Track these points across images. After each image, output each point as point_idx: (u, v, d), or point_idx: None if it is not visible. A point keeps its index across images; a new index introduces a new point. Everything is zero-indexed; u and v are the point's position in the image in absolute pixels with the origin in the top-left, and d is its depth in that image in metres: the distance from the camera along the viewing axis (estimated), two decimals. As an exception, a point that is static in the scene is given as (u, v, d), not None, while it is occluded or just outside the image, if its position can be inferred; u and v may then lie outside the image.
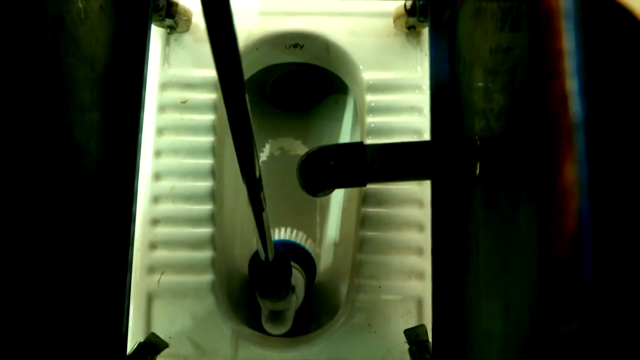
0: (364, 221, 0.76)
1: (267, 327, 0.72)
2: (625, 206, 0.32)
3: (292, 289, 0.70)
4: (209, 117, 0.79)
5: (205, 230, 0.75)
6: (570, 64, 0.32)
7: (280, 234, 0.90)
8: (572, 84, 0.32)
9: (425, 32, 0.80)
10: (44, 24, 0.46)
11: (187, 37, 0.82)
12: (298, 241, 0.90)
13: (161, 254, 0.74)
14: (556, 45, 0.33)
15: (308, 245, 0.90)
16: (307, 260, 0.87)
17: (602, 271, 0.30)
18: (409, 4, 0.75)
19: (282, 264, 0.58)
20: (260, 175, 0.41)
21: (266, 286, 0.60)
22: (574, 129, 0.31)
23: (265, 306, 0.70)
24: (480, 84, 0.53)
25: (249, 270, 0.58)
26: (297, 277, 0.78)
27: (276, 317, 0.72)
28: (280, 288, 0.61)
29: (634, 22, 0.36)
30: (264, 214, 0.45)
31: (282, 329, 0.72)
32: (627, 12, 0.36)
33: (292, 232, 0.90)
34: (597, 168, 0.31)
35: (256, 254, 0.56)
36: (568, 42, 0.33)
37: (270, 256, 0.55)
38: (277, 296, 0.63)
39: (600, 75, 0.33)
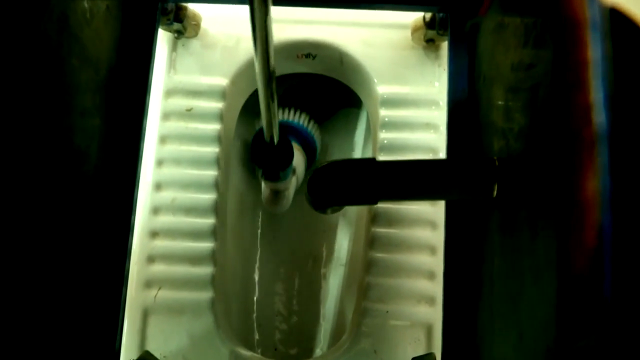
0: (373, 242, 0.75)
1: (268, 205, 0.78)
2: None
3: (293, 170, 0.77)
4: (214, 127, 0.79)
5: (206, 245, 0.76)
6: (594, 74, 0.33)
7: (282, 114, 0.95)
8: (596, 95, 0.32)
9: (444, 46, 0.80)
10: (48, 24, 0.47)
11: (195, 43, 0.82)
12: (300, 122, 0.94)
13: (159, 268, 0.74)
14: (581, 56, 0.34)
15: (310, 127, 0.95)
16: (307, 141, 0.93)
17: (621, 285, 0.30)
18: (428, 16, 0.76)
19: (285, 148, 0.63)
20: (269, 54, 0.46)
21: (269, 169, 0.65)
22: (596, 141, 0.32)
23: (267, 186, 0.75)
24: (500, 102, 0.53)
25: (252, 150, 0.63)
26: (298, 158, 0.84)
27: (277, 196, 0.77)
28: (282, 170, 0.66)
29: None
30: (274, 95, 0.51)
31: (281, 208, 0.79)
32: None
33: (294, 112, 0.95)
34: (619, 180, 0.31)
35: (260, 132, 0.60)
36: (593, 52, 0.33)
37: (276, 139, 0.59)
38: (279, 178, 0.69)
39: (625, 86, 0.33)
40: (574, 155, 0.34)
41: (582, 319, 0.32)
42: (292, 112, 0.95)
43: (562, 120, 0.36)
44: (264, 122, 0.55)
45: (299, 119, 0.95)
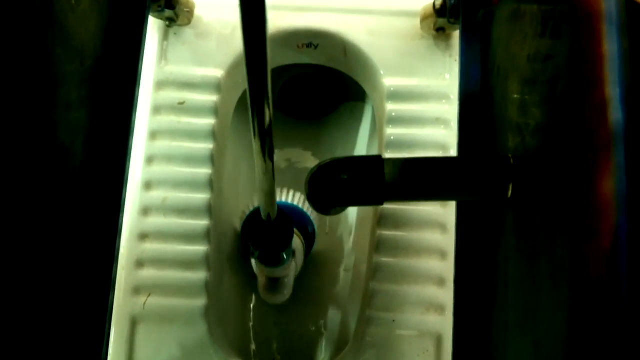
0: (378, 245, 0.75)
1: (265, 296, 0.73)
2: None
3: (293, 253, 0.71)
4: (208, 122, 0.79)
5: (200, 249, 0.75)
6: (610, 69, 0.33)
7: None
8: (612, 91, 0.32)
9: (456, 35, 0.80)
10: (31, 11, 0.47)
11: (187, 31, 0.82)
12: (296, 204, 0.90)
13: (149, 272, 0.74)
14: (596, 50, 0.34)
15: (306, 208, 0.91)
16: (305, 225, 0.88)
17: (638, 288, 0.30)
18: (438, 3, 0.76)
19: (284, 225, 0.58)
20: (271, 122, 0.42)
21: (266, 250, 0.60)
22: (612, 140, 0.32)
23: (263, 273, 0.70)
24: (515, 96, 0.53)
25: (244, 231, 0.58)
26: (296, 242, 0.79)
27: (274, 285, 0.72)
28: (282, 251, 0.62)
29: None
30: (271, 165, 0.46)
31: (281, 298, 0.73)
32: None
33: (288, 193, 0.91)
34: (636, 181, 0.31)
35: (255, 212, 0.56)
36: (609, 46, 0.33)
37: (273, 215, 0.55)
38: (278, 262, 0.64)
39: None
40: (589, 155, 0.34)
41: (599, 323, 0.32)
42: (285, 192, 0.92)
43: (578, 117, 0.36)
44: (260, 195, 0.51)
45: (294, 200, 0.91)
